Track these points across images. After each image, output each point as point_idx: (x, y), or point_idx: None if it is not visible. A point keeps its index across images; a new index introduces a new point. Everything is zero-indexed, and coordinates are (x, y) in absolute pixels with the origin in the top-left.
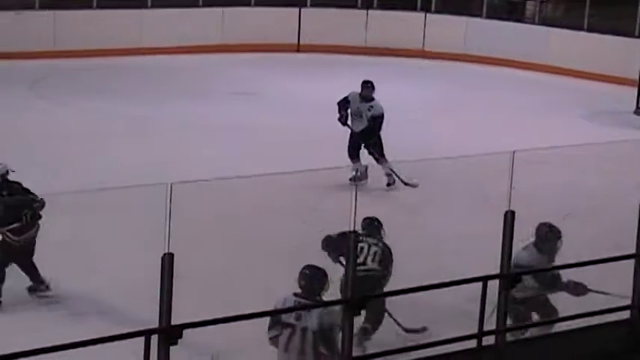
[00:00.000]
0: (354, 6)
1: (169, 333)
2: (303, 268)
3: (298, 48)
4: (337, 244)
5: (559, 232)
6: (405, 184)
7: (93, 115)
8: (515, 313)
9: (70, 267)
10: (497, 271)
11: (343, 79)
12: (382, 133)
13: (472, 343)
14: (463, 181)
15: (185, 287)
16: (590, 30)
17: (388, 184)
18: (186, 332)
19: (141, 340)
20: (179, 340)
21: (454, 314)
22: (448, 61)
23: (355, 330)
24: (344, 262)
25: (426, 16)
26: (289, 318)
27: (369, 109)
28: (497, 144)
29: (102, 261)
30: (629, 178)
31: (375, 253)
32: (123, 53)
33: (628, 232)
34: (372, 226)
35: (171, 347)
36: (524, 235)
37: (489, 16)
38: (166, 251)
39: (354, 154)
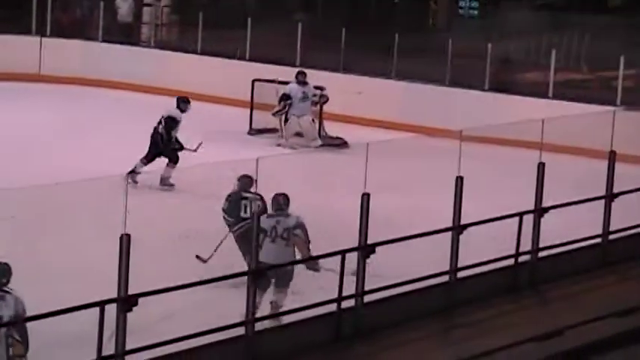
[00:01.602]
0: None
1: None
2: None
3: None
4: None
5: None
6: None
7: None
8: None
9: None
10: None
11: None
12: None
13: None
14: (81, 206)
15: None
16: (203, 53)
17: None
18: None
19: None
20: None
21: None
22: (66, 85)
23: None
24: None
25: (41, 40)
26: None
27: None
28: (115, 168)
29: None
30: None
31: (259, 206)
32: None
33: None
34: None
35: None
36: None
37: (105, 40)
38: None
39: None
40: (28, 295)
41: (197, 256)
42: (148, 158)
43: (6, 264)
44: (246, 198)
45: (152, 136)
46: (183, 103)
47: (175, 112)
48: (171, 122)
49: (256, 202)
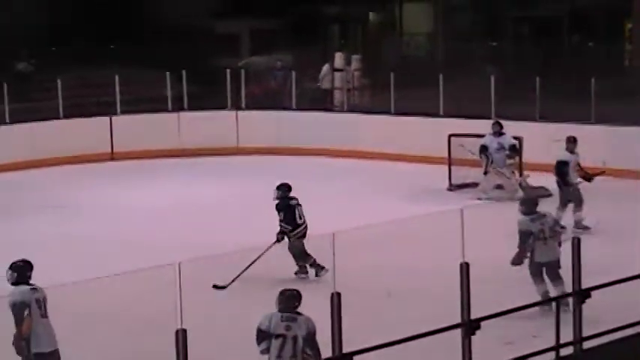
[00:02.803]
0: (164, 109)
1: None
2: (281, 291)
3: (112, 156)
4: None
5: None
6: None
7: None
8: None
9: None
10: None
11: (159, 183)
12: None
13: None
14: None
15: None
16: (397, 113)
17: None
18: None
19: None
20: None
21: None
22: (263, 155)
23: None
24: None
25: (237, 114)
26: (280, 329)
27: None
28: (318, 229)
29: None
30: (446, 254)
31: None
32: None
33: (449, 306)
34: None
35: None
36: (352, 317)
37: (300, 108)
38: None
39: None
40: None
41: (214, 286)
42: (561, 205)
43: (296, 290)
44: (293, 205)
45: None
46: (571, 143)
47: (564, 155)
48: (562, 166)
49: (299, 205)
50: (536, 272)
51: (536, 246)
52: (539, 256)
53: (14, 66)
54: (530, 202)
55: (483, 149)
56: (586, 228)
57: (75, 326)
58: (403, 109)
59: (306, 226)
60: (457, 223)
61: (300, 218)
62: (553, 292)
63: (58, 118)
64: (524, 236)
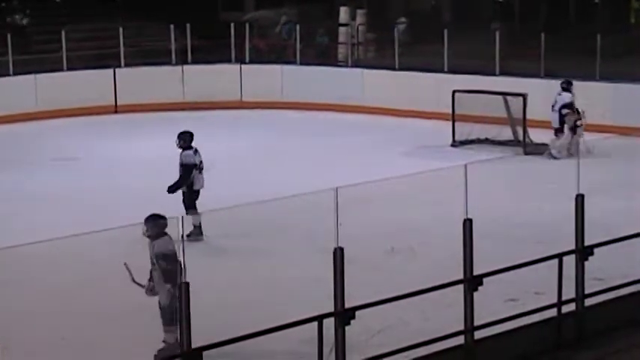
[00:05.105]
0: (168, 62)
1: None
2: (145, 220)
3: (116, 109)
4: None
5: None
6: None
7: None
8: None
9: None
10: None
11: (163, 136)
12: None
13: None
14: (291, 222)
15: None
16: (401, 69)
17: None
18: None
19: None
20: None
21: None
22: (266, 109)
23: None
24: None
25: (241, 67)
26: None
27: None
28: (320, 185)
29: None
30: (449, 209)
31: None
32: None
33: (452, 262)
34: None
35: None
36: (354, 273)
37: (303, 63)
38: None
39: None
40: (245, 314)
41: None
42: None
43: (160, 216)
44: None
45: None
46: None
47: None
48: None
49: None
50: (193, 201)
51: (195, 175)
52: (197, 185)
53: (13, 19)
54: (188, 136)
55: (570, 105)
56: None
57: (76, 278)
58: (407, 65)
59: None
60: (460, 179)
61: None
62: (195, 220)
63: (61, 70)
64: (191, 168)
